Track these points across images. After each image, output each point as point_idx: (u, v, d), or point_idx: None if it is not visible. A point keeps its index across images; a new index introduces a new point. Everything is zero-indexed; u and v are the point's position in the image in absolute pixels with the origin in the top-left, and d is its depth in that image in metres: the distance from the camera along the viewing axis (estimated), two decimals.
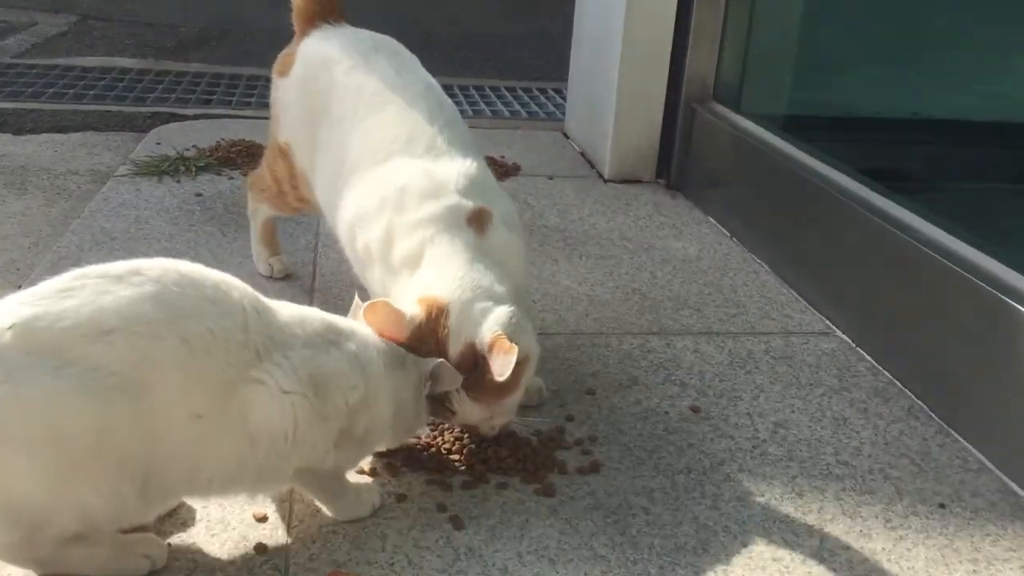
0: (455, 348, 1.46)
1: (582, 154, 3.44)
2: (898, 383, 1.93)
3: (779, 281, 2.41)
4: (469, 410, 1.48)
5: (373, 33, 1.93)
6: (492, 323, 1.46)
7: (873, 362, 2.02)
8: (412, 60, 1.87)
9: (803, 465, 1.64)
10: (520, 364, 1.45)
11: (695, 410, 1.79)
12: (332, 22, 1.96)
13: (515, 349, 1.40)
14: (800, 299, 2.31)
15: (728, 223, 2.78)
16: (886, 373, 1.97)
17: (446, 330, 1.46)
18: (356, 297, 1.51)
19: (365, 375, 1.34)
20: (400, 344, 1.44)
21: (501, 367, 1.40)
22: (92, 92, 4.05)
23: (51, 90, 4.02)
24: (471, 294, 1.49)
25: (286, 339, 1.28)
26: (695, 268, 2.48)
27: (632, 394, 1.84)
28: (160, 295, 1.18)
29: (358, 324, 1.42)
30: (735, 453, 1.66)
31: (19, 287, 2.25)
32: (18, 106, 3.77)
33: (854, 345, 2.09)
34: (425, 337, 1.46)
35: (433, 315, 1.47)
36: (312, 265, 2.36)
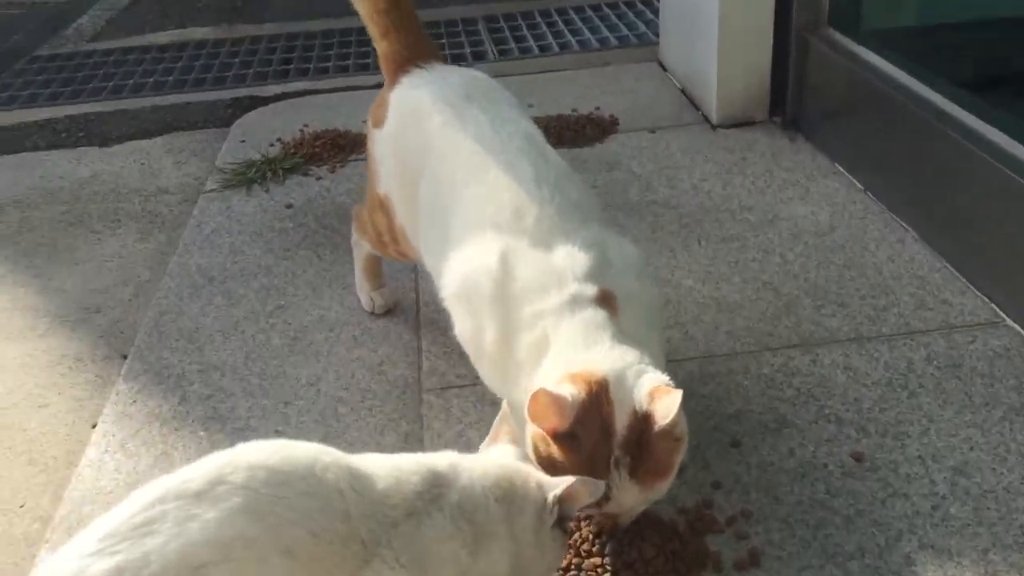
0: (621, 420, 1.33)
1: (683, 91, 3.15)
2: None
3: (931, 252, 2.14)
4: (626, 494, 1.34)
5: (464, 72, 1.74)
6: (648, 381, 1.34)
7: None
8: (508, 103, 1.69)
9: (993, 531, 1.44)
10: (679, 440, 1.34)
11: (858, 459, 1.60)
12: (423, 64, 1.78)
13: (678, 393, 1.28)
14: (958, 276, 2.05)
15: (860, 173, 2.48)
16: None
17: (610, 404, 1.32)
18: (503, 406, 1.37)
19: (473, 526, 1.20)
20: (568, 430, 1.32)
21: (666, 408, 1.29)
22: (170, 78, 3.94)
23: (130, 82, 3.93)
24: (625, 362, 1.36)
25: (387, 513, 1.15)
26: (830, 243, 2.23)
27: (783, 442, 1.66)
28: (252, 507, 1.05)
29: (459, 459, 1.26)
30: (913, 520, 1.47)
31: (124, 357, 2.25)
32: (100, 108, 3.70)
33: None
34: (589, 418, 1.32)
35: (594, 391, 1.33)
36: (415, 292, 2.21)
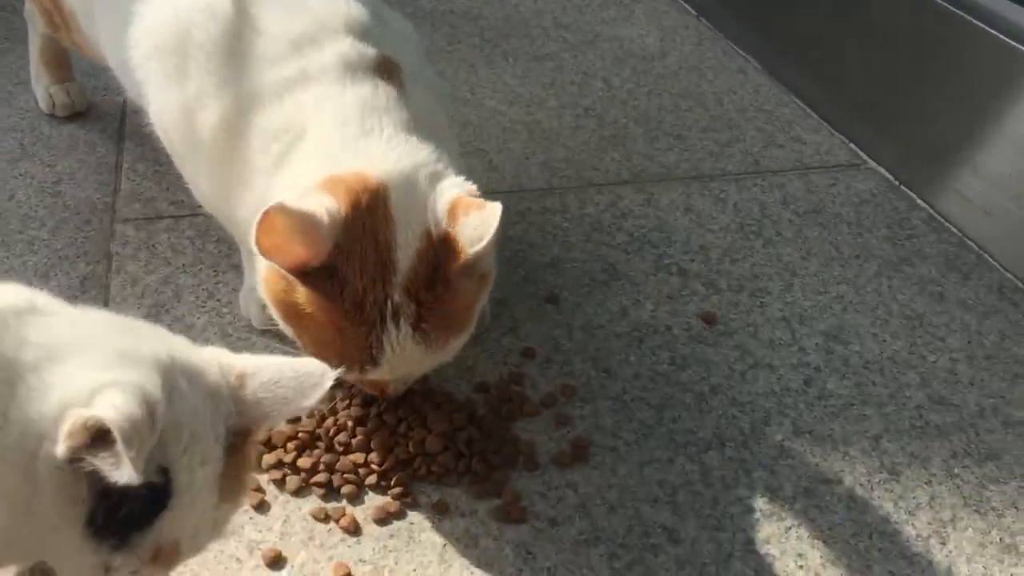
0: (406, 247, 0.88)
1: None
2: (973, 242, 1.38)
3: (776, 85, 1.78)
4: (404, 356, 0.89)
5: None
6: (449, 188, 0.90)
7: (929, 208, 1.45)
8: None
9: (884, 412, 1.10)
10: (484, 278, 0.93)
11: (709, 320, 1.22)
12: None
13: (494, 206, 0.85)
14: (810, 112, 1.70)
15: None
16: (952, 227, 1.41)
17: (390, 224, 0.87)
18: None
19: None
20: (323, 264, 0.85)
21: (478, 229, 0.86)
22: None
23: None
24: (414, 161, 0.91)
25: None
26: (661, 69, 1.82)
27: (613, 297, 1.25)
28: None
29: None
30: (782, 399, 1.11)
31: None
32: None
33: (896, 182, 1.51)
34: (356, 244, 0.87)
35: (364, 204, 0.87)
36: (122, 95, 1.61)
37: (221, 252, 1.27)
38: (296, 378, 0.72)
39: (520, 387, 1.10)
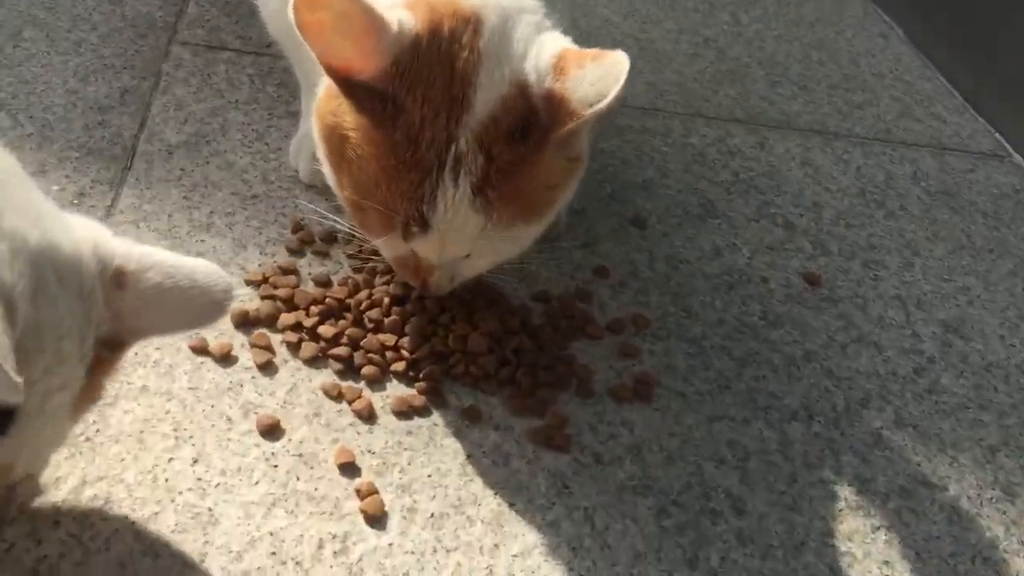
0: (493, 90, 0.72)
1: None
2: None
3: (920, 58, 1.59)
4: (457, 227, 0.74)
5: None
6: (554, 40, 0.74)
7: None
8: None
9: (1005, 424, 0.92)
10: (575, 162, 0.78)
11: (812, 281, 1.05)
12: None
13: (616, 55, 0.70)
14: (953, 92, 1.51)
15: None
16: None
17: (475, 57, 0.72)
18: None
19: None
20: (376, 83, 0.70)
21: (597, 84, 0.69)
22: None
23: None
24: (515, 4, 0.75)
25: None
26: (795, 17, 1.64)
27: (706, 234, 1.08)
28: None
29: None
30: (886, 383, 0.94)
31: None
32: None
33: None
34: (427, 68, 0.71)
35: (446, 29, 0.72)
36: None
37: (280, 97, 1.13)
38: (192, 288, 0.55)
39: (586, 305, 0.94)
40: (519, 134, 0.72)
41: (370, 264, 0.90)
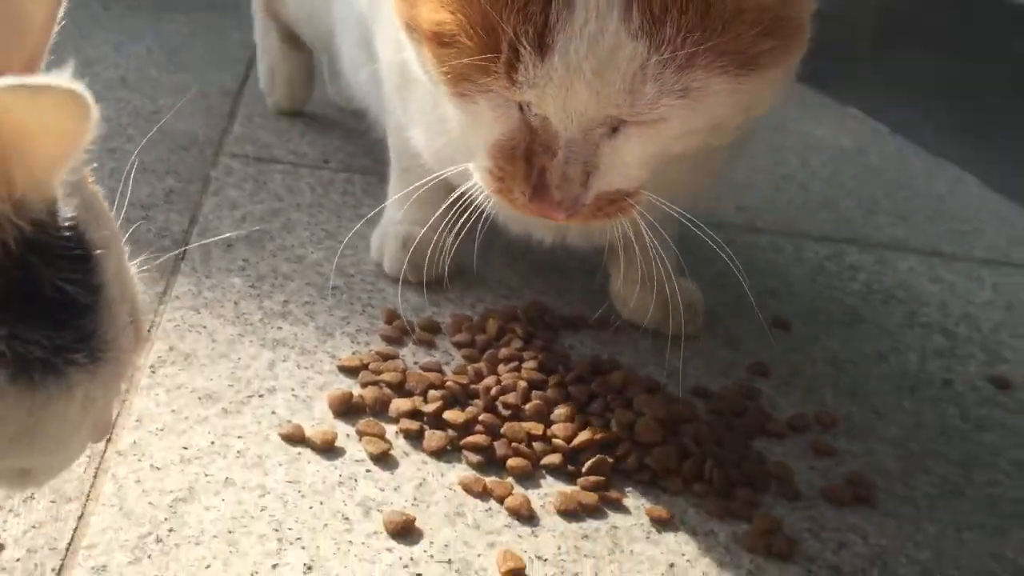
0: None
1: None
2: None
3: (1003, 199, 1.49)
4: (610, 54, 0.51)
5: None
6: None
7: None
8: None
9: None
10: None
11: (1002, 384, 0.87)
12: None
13: None
14: None
15: (883, 113, 1.84)
16: None
17: None
18: None
19: None
20: None
21: None
22: None
23: None
24: None
25: None
26: (863, 164, 1.55)
27: (862, 341, 0.91)
28: None
29: None
30: None
31: None
32: None
33: None
34: None
35: None
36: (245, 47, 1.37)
37: (346, 203, 0.98)
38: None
39: (755, 402, 0.75)
40: None
41: (490, 351, 0.72)
